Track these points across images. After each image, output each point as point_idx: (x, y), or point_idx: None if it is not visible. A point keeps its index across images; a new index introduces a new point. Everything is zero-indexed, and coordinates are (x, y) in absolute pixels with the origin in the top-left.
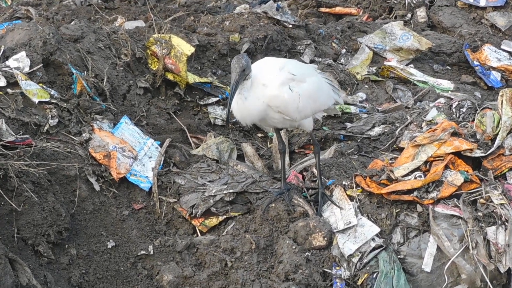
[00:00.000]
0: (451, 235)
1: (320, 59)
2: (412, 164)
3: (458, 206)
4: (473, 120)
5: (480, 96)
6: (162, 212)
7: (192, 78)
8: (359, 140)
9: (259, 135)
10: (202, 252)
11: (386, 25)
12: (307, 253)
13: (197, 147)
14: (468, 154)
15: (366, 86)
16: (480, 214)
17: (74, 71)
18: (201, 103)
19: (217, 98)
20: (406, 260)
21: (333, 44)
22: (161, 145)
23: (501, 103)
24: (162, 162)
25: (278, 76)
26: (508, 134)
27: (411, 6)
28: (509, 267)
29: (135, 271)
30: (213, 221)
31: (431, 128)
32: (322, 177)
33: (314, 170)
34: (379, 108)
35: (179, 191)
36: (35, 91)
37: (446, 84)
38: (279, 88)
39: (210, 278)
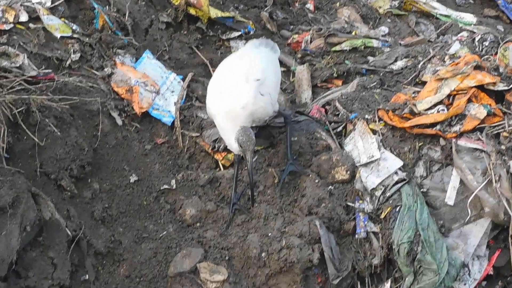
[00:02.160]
0: (474, 169)
1: None
2: (435, 98)
3: (481, 139)
4: (496, 53)
5: (502, 29)
6: (184, 147)
7: (214, 13)
8: (381, 74)
9: (282, 69)
10: (224, 186)
11: None
12: (330, 187)
13: None
14: (491, 87)
15: (388, 20)
16: (503, 147)
17: (95, 6)
18: (223, 37)
19: (239, 33)
20: (429, 194)
21: None
22: (183, 79)
23: None
24: (184, 96)
25: (249, 93)
26: None
27: None
28: None
29: (157, 205)
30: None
31: (453, 61)
32: (345, 111)
33: (337, 104)
34: (402, 42)
35: (202, 125)
36: (57, 26)
37: (469, 17)
38: (255, 103)
39: (233, 212)
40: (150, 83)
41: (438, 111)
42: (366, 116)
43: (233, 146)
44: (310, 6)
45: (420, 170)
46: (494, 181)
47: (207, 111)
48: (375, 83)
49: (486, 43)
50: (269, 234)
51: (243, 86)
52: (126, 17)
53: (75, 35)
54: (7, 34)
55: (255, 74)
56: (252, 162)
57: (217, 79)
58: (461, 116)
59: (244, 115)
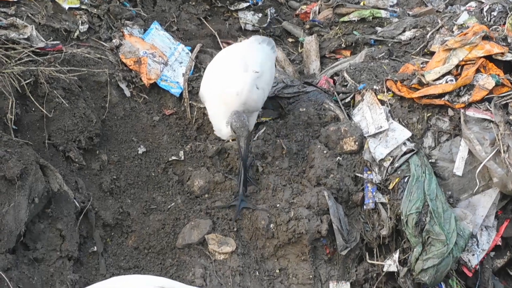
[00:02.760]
0: (482, 139)
1: None
2: (443, 68)
3: (489, 109)
4: (504, 23)
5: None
6: (192, 118)
7: None
8: (389, 45)
9: (290, 40)
10: (233, 157)
11: None
12: (339, 157)
13: None
14: (500, 57)
15: None
16: (511, 117)
17: None
18: (232, 8)
19: (248, 4)
20: (437, 164)
21: None
22: (191, 51)
23: None
24: (193, 68)
25: (246, 81)
26: None
27: None
28: None
29: (166, 176)
30: None
31: (462, 32)
32: (353, 82)
33: (345, 74)
34: (410, 12)
35: None
36: None
37: None
38: (250, 93)
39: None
40: (158, 54)
41: (446, 82)
42: (375, 87)
43: (223, 131)
44: None
45: (428, 141)
46: (502, 151)
47: (199, 94)
48: (383, 54)
49: (495, 13)
50: (278, 205)
51: (241, 74)
52: None
53: (83, 6)
54: (15, 5)
55: (255, 66)
56: (246, 148)
57: (215, 64)
58: (469, 87)
59: (237, 102)
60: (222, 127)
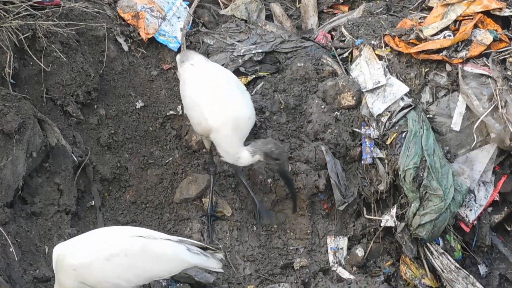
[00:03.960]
0: (480, 94)
1: None
2: (441, 23)
3: (487, 65)
4: None
5: None
6: None
7: None
8: (387, 0)
9: None
10: None
11: None
12: (336, 112)
13: (225, 7)
14: (497, 13)
15: None
16: (509, 73)
17: None
18: None
19: None
20: (435, 120)
21: None
22: (189, 5)
23: None
24: (190, 22)
25: (248, 101)
26: None
27: None
28: None
29: (163, 131)
30: (242, 80)
31: None
32: (351, 37)
33: (343, 29)
34: None
35: (208, 51)
36: None
37: None
38: (253, 112)
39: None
40: (156, 8)
41: (444, 37)
42: (372, 42)
43: (244, 158)
44: None
45: (426, 96)
46: (500, 106)
47: (198, 129)
48: (381, 9)
49: None
50: None
51: (241, 97)
52: None
53: None
54: None
55: (242, 85)
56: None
57: (205, 93)
58: (467, 42)
59: (249, 125)
60: (241, 154)
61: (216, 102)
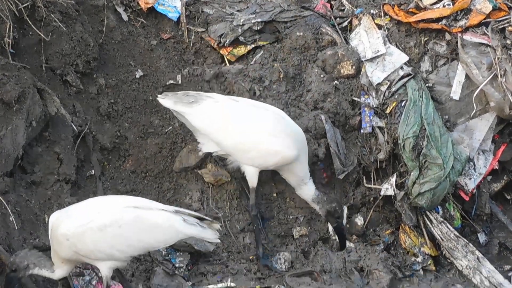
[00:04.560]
0: (479, 63)
1: None
2: None
3: (486, 34)
4: None
5: None
6: (190, 42)
7: None
8: None
9: None
10: (230, 81)
11: None
12: (336, 81)
13: None
14: None
15: None
16: (508, 42)
17: None
18: None
19: None
20: (434, 88)
21: None
22: None
23: None
24: None
25: None
26: None
27: None
28: None
29: None
30: (241, 50)
31: None
32: (350, 6)
33: None
34: None
35: (207, 21)
36: None
37: None
38: None
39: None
40: None
41: (443, 6)
42: (372, 11)
43: (310, 189)
44: None
45: (425, 65)
46: (499, 75)
47: (270, 162)
48: None
49: None
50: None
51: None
52: None
53: None
54: None
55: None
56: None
57: (266, 124)
58: (466, 11)
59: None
60: (310, 183)
61: (282, 131)
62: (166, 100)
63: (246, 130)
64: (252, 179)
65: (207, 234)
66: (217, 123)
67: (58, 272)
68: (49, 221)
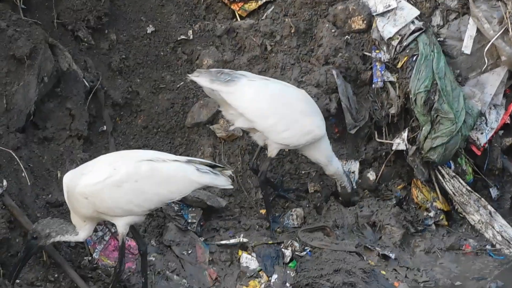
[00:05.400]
0: (490, 17)
1: None
2: None
3: None
4: None
5: None
6: None
7: None
8: None
9: None
10: (241, 36)
11: None
12: (347, 36)
13: None
14: None
15: None
16: None
17: None
18: None
19: None
20: (445, 43)
21: None
22: None
23: None
24: None
25: None
26: None
27: None
28: None
29: (174, 56)
30: (252, 5)
31: None
32: None
33: None
34: None
35: None
36: None
37: None
38: None
39: (250, 62)
40: None
41: None
42: None
43: (336, 165)
44: None
45: (436, 19)
46: (510, 30)
47: (302, 140)
48: None
49: None
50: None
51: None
52: None
53: None
54: None
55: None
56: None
57: (300, 103)
58: None
59: None
60: (335, 160)
61: (312, 110)
62: (201, 78)
63: (280, 111)
64: (274, 152)
65: (220, 181)
66: (254, 103)
67: (82, 233)
68: (63, 183)
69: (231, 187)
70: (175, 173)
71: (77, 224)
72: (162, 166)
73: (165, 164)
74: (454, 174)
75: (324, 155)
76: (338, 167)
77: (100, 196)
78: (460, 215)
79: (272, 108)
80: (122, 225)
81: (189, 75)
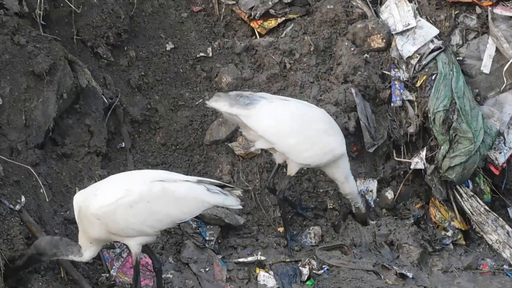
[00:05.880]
0: (510, 37)
1: None
2: None
3: None
4: None
5: None
6: (221, 14)
7: None
8: None
9: None
10: (261, 54)
11: None
12: (366, 55)
13: None
14: None
15: None
16: None
17: None
18: None
19: None
20: (464, 62)
21: None
22: None
23: None
24: None
25: None
26: None
27: None
28: None
29: (194, 73)
30: (271, 23)
31: None
32: None
33: None
34: None
35: None
36: None
37: None
38: None
39: (269, 79)
40: None
41: None
42: None
43: (352, 185)
44: None
45: (456, 38)
46: None
47: (323, 159)
48: None
49: None
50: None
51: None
52: None
53: None
54: None
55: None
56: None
57: (319, 122)
58: None
59: None
60: (351, 179)
61: (333, 129)
62: (220, 103)
63: (302, 131)
64: (293, 171)
65: (230, 201)
66: (274, 125)
67: (87, 254)
68: (74, 203)
69: (240, 207)
70: (187, 193)
71: (83, 245)
72: (173, 187)
73: (177, 185)
74: (472, 193)
75: (343, 173)
76: (353, 187)
77: (112, 217)
78: (478, 234)
79: (293, 129)
80: (134, 245)
81: (207, 101)
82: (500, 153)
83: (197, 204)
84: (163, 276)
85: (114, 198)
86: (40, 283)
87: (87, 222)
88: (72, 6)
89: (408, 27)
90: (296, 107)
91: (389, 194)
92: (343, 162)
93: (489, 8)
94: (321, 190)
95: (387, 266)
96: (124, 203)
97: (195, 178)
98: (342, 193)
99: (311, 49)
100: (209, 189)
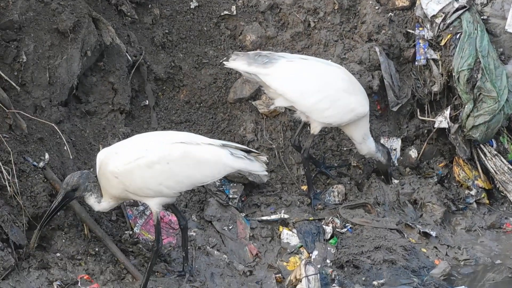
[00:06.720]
0: None
1: None
2: None
3: None
4: None
5: None
6: None
7: None
8: None
9: None
10: (285, 12)
11: None
12: (390, 13)
13: None
14: None
15: None
16: None
17: None
18: None
19: None
20: (489, 21)
21: None
22: None
23: None
24: None
25: None
26: None
27: None
28: None
29: (218, 31)
30: None
31: None
32: None
33: None
34: None
35: None
36: None
37: None
38: None
39: (293, 38)
40: None
41: None
42: None
43: (371, 145)
44: None
45: None
46: None
47: (345, 118)
48: None
49: None
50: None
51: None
52: None
53: None
54: None
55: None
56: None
57: (341, 81)
58: None
59: None
60: (370, 140)
61: (355, 88)
62: (238, 62)
63: (322, 89)
64: (316, 129)
65: (255, 167)
66: (293, 83)
67: (103, 204)
68: (97, 159)
69: (266, 173)
70: (209, 156)
71: (104, 196)
72: (195, 149)
73: (199, 147)
74: (496, 152)
75: (362, 133)
76: (371, 148)
77: (130, 176)
78: (502, 193)
79: (312, 87)
80: (154, 205)
81: (225, 62)
82: None
83: (219, 168)
84: None
85: (133, 157)
86: (64, 240)
87: (106, 180)
88: None
89: None
90: (315, 65)
91: (413, 153)
92: (362, 122)
93: None
94: (344, 149)
95: (410, 224)
96: (142, 163)
97: (220, 142)
98: (360, 153)
99: (335, 8)
100: (233, 153)
